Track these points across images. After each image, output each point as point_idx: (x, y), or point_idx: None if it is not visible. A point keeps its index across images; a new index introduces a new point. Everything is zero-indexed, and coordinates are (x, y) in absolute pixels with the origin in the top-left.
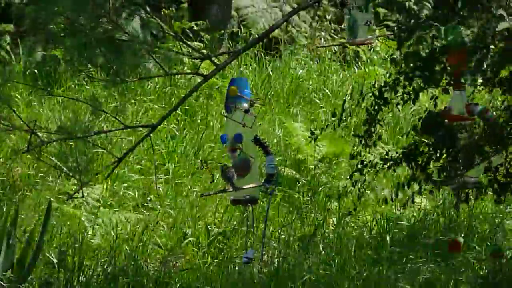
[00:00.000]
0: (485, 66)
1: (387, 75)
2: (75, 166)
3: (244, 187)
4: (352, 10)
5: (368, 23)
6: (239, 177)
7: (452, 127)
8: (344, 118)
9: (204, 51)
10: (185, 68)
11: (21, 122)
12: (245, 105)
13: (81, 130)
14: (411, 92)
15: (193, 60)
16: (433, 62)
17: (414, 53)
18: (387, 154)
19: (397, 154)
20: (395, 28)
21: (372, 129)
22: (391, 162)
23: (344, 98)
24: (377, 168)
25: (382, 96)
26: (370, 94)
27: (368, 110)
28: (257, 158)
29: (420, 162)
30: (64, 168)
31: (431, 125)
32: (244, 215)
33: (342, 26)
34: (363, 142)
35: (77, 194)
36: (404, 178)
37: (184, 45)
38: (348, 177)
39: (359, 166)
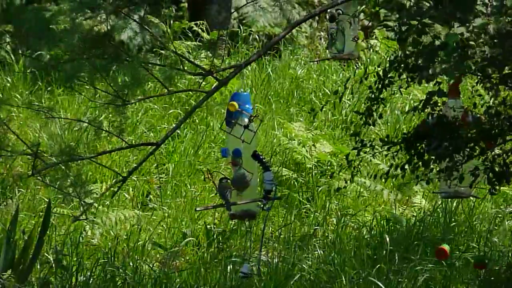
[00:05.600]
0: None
1: (392, 55)
2: (77, 189)
3: (239, 202)
4: (340, 23)
5: (356, 39)
6: (238, 192)
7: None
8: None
9: (206, 64)
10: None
11: (23, 144)
12: (246, 120)
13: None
14: (414, 76)
15: (195, 66)
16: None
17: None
18: (387, 137)
19: (397, 139)
20: (396, 26)
21: (374, 108)
22: (391, 144)
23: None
24: (375, 151)
25: (386, 75)
26: (374, 74)
27: (371, 88)
28: (258, 174)
29: (419, 148)
30: (70, 193)
31: (424, 134)
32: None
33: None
34: (363, 119)
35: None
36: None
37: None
38: (344, 157)
39: (358, 145)
